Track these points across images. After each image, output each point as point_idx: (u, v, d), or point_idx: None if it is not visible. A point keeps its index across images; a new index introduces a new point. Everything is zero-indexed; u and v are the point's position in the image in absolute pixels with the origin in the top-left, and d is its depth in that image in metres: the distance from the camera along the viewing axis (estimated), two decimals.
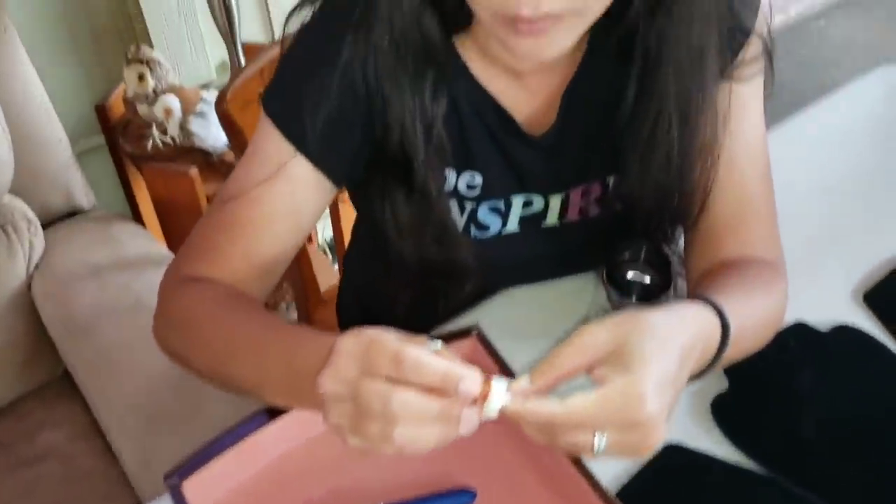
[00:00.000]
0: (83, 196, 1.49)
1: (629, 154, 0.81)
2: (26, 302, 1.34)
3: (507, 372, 0.76)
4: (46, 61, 1.53)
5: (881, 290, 0.92)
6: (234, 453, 0.72)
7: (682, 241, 0.90)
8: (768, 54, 0.82)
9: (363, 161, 0.83)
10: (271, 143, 0.79)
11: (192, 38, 1.85)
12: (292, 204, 0.81)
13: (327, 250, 2.14)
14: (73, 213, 1.50)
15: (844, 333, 0.88)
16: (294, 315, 1.63)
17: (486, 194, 0.87)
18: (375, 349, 0.57)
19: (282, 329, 0.70)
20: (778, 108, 0.97)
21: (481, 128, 0.83)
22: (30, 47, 1.42)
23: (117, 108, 1.68)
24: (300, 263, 1.37)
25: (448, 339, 0.72)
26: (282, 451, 0.76)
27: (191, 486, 0.70)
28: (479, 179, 0.86)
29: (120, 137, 1.63)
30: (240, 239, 0.80)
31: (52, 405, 1.33)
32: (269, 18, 1.99)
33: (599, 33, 0.77)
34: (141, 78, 1.52)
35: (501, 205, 0.88)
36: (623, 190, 0.86)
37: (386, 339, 0.57)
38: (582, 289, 0.94)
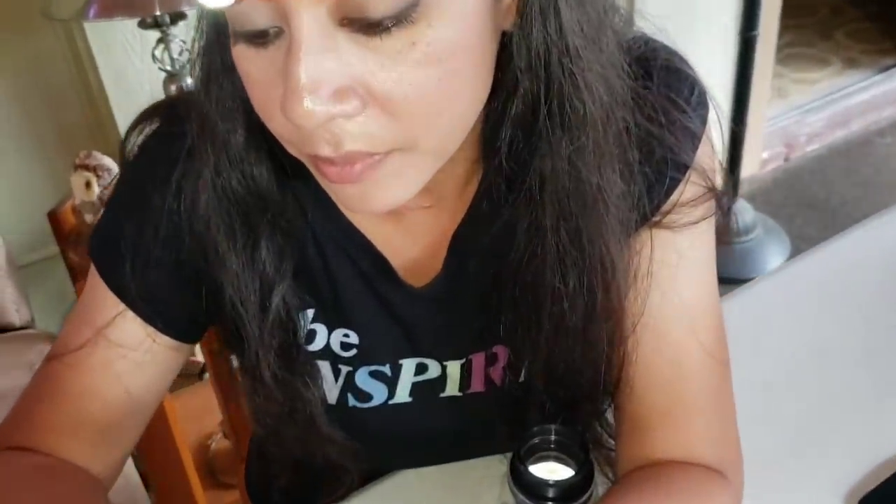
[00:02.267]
0: (14, 312, 1.36)
1: (514, 315, 0.62)
2: None
3: None
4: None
5: (879, 497, 0.70)
6: None
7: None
8: (715, 194, 0.63)
9: (205, 323, 0.67)
10: (97, 295, 0.65)
11: None
12: (124, 366, 0.64)
13: None
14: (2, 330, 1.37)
15: None
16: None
17: (365, 357, 0.69)
18: None
19: None
20: (830, 233, 0.81)
21: (355, 276, 0.66)
22: None
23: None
24: (229, 400, 1.20)
25: None
26: None
27: None
28: (355, 338, 0.68)
29: (70, 247, 1.50)
30: (62, 408, 0.65)
31: None
32: None
33: (493, 169, 0.59)
34: (88, 185, 1.40)
35: (387, 370, 0.70)
36: (518, 361, 0.66)
37: None
38: (492, 471, 0.74)
